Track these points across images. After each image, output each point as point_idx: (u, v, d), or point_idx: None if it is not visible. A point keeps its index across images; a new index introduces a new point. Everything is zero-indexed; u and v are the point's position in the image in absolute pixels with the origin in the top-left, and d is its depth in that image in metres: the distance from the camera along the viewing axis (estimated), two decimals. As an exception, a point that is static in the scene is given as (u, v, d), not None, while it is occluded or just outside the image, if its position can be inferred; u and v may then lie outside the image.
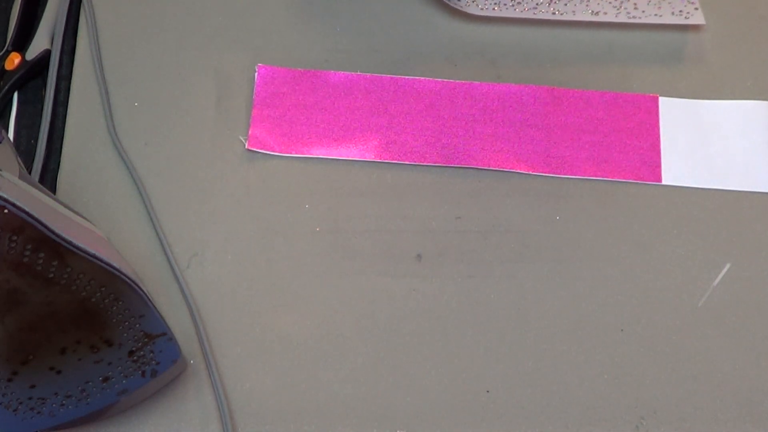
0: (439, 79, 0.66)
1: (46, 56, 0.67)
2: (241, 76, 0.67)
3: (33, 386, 0.47)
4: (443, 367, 0.59)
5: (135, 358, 0.50)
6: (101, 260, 0.45)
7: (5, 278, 0.42)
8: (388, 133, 0.65)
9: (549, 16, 0.66)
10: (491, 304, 0.61)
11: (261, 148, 0.64)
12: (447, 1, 0.66)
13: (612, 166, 0.65)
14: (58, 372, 0.47)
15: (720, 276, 0.62)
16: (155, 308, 0.49)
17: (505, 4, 0.67)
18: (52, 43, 0.68)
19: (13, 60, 0.67)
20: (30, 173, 0.64)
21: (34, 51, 0.67)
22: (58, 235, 0.42)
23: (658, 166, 0.65)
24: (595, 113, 0.66)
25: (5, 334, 0.44)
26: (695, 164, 0.65)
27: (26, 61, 0.67)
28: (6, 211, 0.40)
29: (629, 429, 0.58)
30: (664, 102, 0.66)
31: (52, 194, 0.48)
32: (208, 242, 0.62)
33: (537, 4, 0.67)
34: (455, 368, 0.59)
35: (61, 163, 0.64)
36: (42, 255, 0.42)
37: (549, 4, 0.66)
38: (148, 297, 0.48)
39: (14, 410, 0.48)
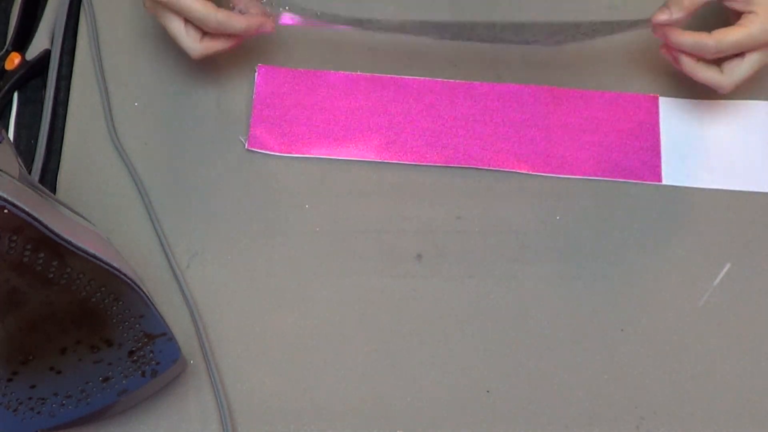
0: (439, 79, 0.66)
1: (46, 56, 0.67)
2: (241, 76, 0.67)
3: (33, 386, 0.47)
4: (443, 367, 0.59)
5: (135, 358, 0.50)
6: (101, 260, 0.45)
7: (5, 278, 0.42)
8: (388, 133, 0.65)
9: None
10: (491, 304, 0.61)
11: (261, 148, 0.64)
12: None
13: (612, 166, 0.64)
14: (58, 372, 0.47)
15: (720, 276, 0.62)
16: (155, 308, 0.49)
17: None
18: (52, 43, 0.68)
19: (13, 60, 0.67)
20: (30, 173, 0.64)
21: (34, 51, 0.67)
22: (58, 235, 0.42)
23: (658, 166, 0.65)
24: (595, 113, 0.66)
25: (5, 334, 0.44)
26: (695, 164, 0.65)
27: (26, 61, 0.67)
28: (6, 211, 0.40)
29: (629, 429, 0.58)
30: (664, 102, 0.66)
31: (52, 194, 0.48)
32: (208, 242, 0.62)
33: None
34: (455, 368, 0.59)
35: (61, 163, 0.64)
36: (42, 255, 0.42)
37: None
38: (148, 297, 0.48)
39: (14, 410, 0.48)
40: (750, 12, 0.56)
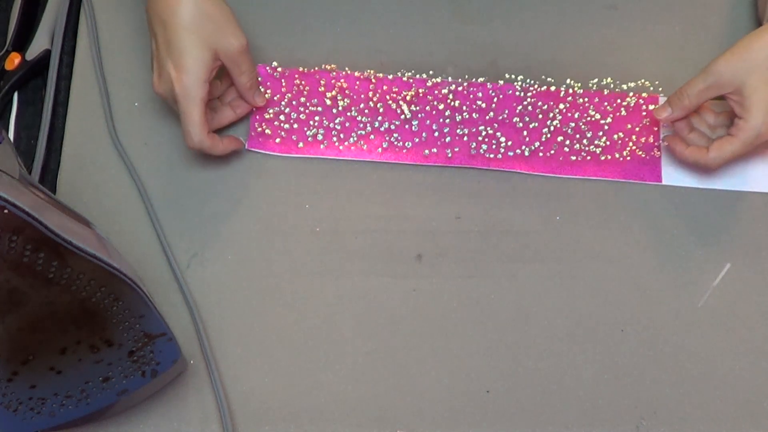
0: (439, 79, 0.66)
1: (46, 56, 0.67)
2: (241, 76, 0.66)
3: (33, 386, 0.47)
4: (443, 367, 0.59)
5: (135, 358, 0.50)
6: (101, 260, 0.45)
7: (5, 278, 0.42)
8: (388, 133, 0.65)
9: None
10: (491, 304, 0.61)
11: (261, 148, 0.64)
12: None
13: (612, 166, 0.64)
14: (59, 372, 0.47)
15: (720, 276, 0.62)
16: (155, 308, 0.49)
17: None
18: (52, 43, 0.68)
19: (13, 60, 0.67)
20: (30, 173, 0.64)
21: (34, 51, 0.67)
22: (58, 235, 0.42)
23: (658, 166, 0.65)
24: (601, 106, 0.66)
25: (5, 334, 0.44)
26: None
27: (26, 61, 0.67)
28: (6, 211, 0.40)
29: (629, 429, 0.58)
30: (664, 102, 0.66)
31: (52, 194, 0.48)
32: (208, 242, 0.62)
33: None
34: (455, 368, 0.59)
35: (61, 163, 0.64)
36: (42, 255, 0.42)
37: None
38: (148, 297, 0.48)
39: (14, 410, 0.48)
40: (741, 119, 0.58)
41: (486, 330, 0.60)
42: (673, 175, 0.64)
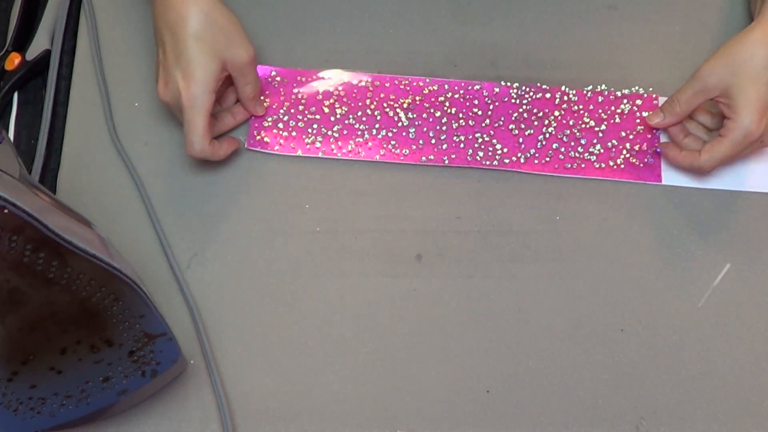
0: (439, 79, 0.66)
1: (46, 56, 0.67)
2: (241, 76, 0.66)
3: (33, 386, 0.47)
4: (443, 367, 0.59)
5: (135, 358, 0.50)
6: (101, 260, 0.45)
7: (5, 278, 0.42)
8: (388, 133, 0.65)
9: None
10: (491, 304, 0.61)
11: (261, 148, 0.64)
12: None
13: (612, 166, 0.64)
14: (59, 372, 0.47)
15: (720, 276, 0.62)
16: (155, 308, 0.49)
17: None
18: (52, 43, 0.68)
19: (13, 60, 0.67)
20: (30, 173, 0.64)
21: (34, 51, 0.67)
22: (58, 235, 0.42)
23: (658, 166, 0.65)
24: (595, 113, 0.66)
25: (5, 334, 0.44)
26: (695, 164, 0.65)
27: (26, 61, 0.67)
28: (6, 211, 0.40)
29: (629, 429, 0.58)
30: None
31: (52, 194, 0.48)
32: (208, 242, 0.62)
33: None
34: (455, 368, 0.59)
35: (61, 163, 0.64)
36: (42, 255, 0.42)
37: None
38: (148, 297, 0.48)
39: (14, 410, 0.48)
40: (729, 119, 0.59)
41: (486, 330, 0.60)
42: (673, 175, 0.64)
